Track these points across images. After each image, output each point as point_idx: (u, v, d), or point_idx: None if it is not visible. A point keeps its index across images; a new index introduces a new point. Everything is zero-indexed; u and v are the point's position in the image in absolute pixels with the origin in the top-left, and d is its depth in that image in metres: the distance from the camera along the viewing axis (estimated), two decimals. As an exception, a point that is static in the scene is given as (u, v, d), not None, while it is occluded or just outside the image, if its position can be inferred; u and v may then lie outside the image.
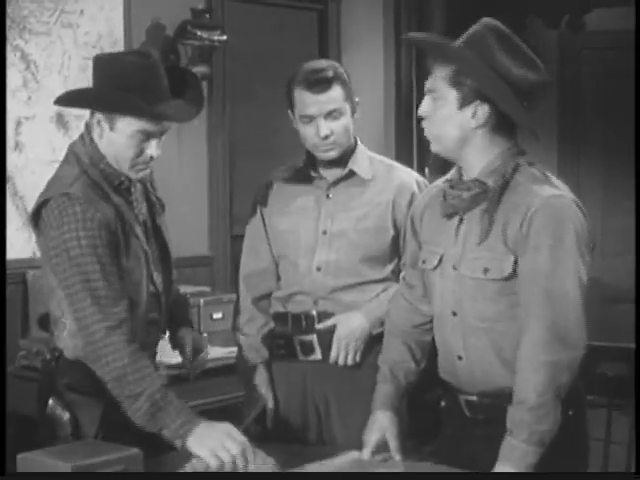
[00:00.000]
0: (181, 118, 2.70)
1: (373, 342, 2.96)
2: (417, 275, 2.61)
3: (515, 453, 2.28)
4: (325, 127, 2.92)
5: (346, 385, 3.00)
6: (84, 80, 4.37)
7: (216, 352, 3.82)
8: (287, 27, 5.38)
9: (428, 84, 2.42)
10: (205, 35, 4.69)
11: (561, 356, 2.29)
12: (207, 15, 4.78)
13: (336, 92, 2.93)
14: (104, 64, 2.63)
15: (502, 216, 2.37)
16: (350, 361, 2.99)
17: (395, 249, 3.03)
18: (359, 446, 2.58)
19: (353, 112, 2.98)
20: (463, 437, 2.50)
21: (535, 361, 2.29)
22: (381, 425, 2.56)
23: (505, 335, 2.40)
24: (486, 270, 2.38)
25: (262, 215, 3.10)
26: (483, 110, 2.37)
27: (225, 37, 4.79)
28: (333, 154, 2.97)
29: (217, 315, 4.36)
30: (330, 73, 2.94)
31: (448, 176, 2.51)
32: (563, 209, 2.34)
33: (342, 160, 3.01)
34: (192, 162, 4.85)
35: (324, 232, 3.01)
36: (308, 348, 3.03)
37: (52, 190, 2.58)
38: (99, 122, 2.61)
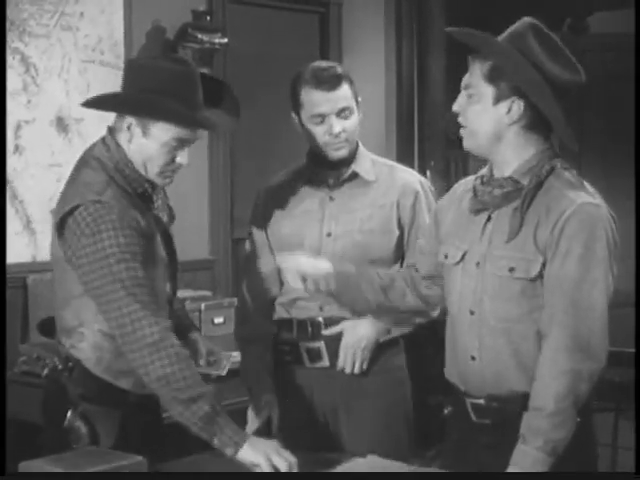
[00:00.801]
0: (223, 127, 2.65)
1: (380, 349, 2.95)
2: (426, 262, 2.62)
3: (527, 460, 2.25)
4: (338, 124, 2.90)
5: (354, 391, 2.98)
6: (84, 83, 4.36)
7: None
8: (288, 30, 5.36)
9: (464, 80, 2.41)
10: (206, 38, 4.67)
11: (582, 366, 2.27)
12: (208, 18, 4.76)
13: (345, 90, 2.92)
14: (138, 69, 2.56)
15: (533, 217, 2.34)
16: (357, 370, 2.97)
17: (399, 250, 3.02)
18: (368, 453, 2.55)
19: (358, 112, 2.97)
20: (469, 442, 2.47)
21: (556, 369, 2.27)
22: None
23: (524, 338, 2.37)
24: (512, 269, 2.35)
25: (263, 220, 3.08)
26: (518, 106, 2.35)
27: (226, 40, 4.78)
28: (344, 152, 2.96)
29: (218, 319, 4.34)
30: (339, 70, 2.94)
31: (480, 173, 2.49)
32: (597, 218, 2.31)
33: (345, 162, 2.99)
34: (193, 165, 4.78)
35: (328, 234, 2.99)
36: (315, 355, 3.00)
37: (81, 197, 2.48)
38: (130, 127, 2.52)
